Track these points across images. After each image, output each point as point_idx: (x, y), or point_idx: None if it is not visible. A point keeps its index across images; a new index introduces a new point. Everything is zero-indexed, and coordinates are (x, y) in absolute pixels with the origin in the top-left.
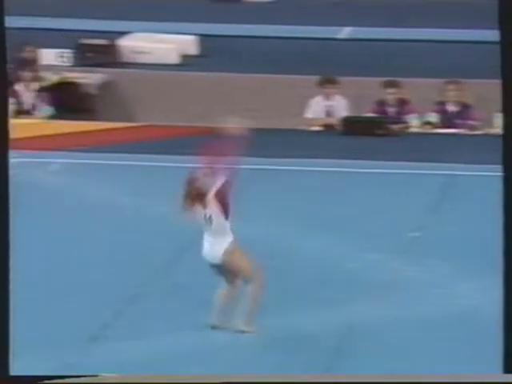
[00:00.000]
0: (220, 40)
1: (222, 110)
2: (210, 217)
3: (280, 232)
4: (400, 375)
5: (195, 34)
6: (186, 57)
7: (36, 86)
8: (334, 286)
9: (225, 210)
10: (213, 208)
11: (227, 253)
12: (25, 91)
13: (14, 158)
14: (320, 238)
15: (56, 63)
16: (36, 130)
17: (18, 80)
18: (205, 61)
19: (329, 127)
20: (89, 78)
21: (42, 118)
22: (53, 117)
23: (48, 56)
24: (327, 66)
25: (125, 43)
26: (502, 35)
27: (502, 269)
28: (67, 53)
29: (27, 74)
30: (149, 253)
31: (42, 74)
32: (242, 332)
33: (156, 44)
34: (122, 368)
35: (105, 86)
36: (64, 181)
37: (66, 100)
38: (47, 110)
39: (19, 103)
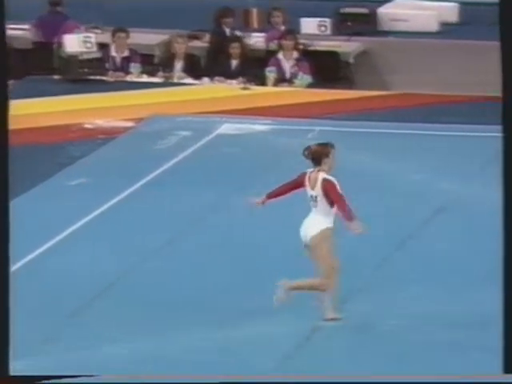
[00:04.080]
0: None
1: (479, 79)
2: (316, 197)
3: None
4: (400, 375)
5: (456, 1)
6: (445, 24)
7: (296, 54)
8: None
9: (329, 200)
10: (318, 191)
11: (317, 236)
12: (285, 60)
13: (270, 125)
14: None
15: (316, 32)
16: (295, 97)
17: (280, 49)
18: (465, 29)
19: None
20: (347, 46)
21: (301, 86)
22: (311, 85)
23: (308, 25)
24: None
25: (384, 11)
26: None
27: (502, 270)
28: (327, 22)
29: (288, 43)
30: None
31: (302, 42)
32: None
33: (416, 11)
34: None
35: (362, 55)
36: None
37: (324, 69)
38: (306, 78)
39: (280, 72)
